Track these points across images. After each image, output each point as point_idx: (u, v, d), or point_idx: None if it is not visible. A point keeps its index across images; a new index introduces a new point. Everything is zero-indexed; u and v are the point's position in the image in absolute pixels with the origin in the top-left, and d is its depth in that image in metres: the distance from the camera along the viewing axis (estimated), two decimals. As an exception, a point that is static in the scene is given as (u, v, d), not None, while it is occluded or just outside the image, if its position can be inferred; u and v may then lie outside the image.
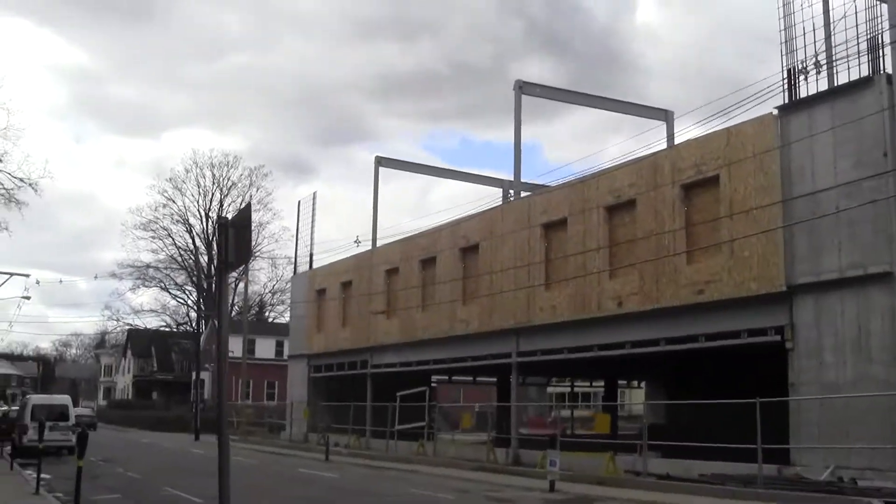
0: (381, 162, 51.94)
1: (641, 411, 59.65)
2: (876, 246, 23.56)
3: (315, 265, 57.12)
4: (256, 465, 34.98)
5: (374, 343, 47.85)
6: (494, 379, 62.09)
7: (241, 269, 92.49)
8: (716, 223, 28.16)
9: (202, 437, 58.83)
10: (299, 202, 61.54)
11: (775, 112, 26.52)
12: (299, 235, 60.86)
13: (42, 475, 24.85)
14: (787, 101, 26.22)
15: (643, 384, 63.64)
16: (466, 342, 40.03)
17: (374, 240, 50.16)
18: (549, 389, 77.79)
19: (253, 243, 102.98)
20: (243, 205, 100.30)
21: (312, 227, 58.87)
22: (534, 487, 25.08)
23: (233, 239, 9.42)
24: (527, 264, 35.90)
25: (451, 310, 40.87)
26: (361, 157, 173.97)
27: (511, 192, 51.69)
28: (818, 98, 25.35)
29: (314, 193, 59.08)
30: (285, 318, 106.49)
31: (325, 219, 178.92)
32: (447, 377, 56.82)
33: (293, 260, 61.94)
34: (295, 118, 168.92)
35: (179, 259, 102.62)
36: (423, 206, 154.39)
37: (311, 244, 58.82)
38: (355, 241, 49.82)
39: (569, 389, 73.70)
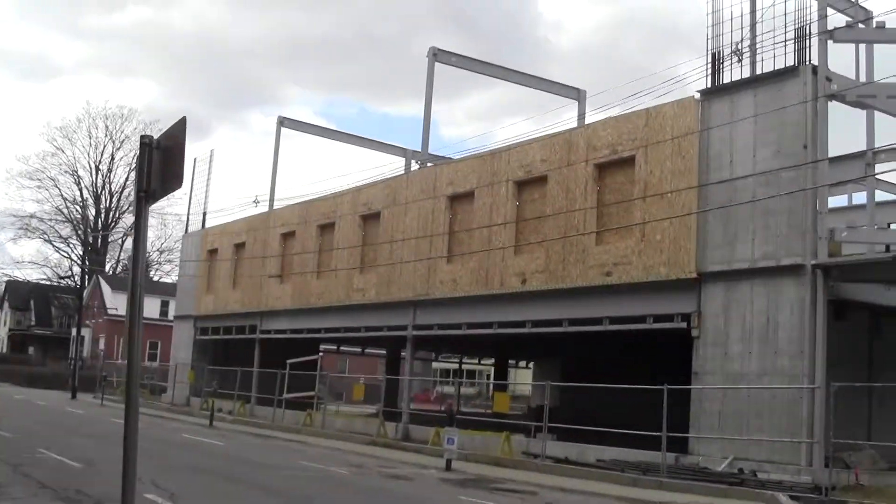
0: (283, 122, 50.30)
1: (528, 392, 59.83)
2: (790, 238, 23.15)
3: (208, 225, 55.30)
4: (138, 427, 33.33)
5: (265, 308, 46.37)
6: (383, 351, 61.57)
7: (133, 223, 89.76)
8: (629, 205, 27.55)
9: (79, 396, 56.68)
10: (195, 159, 59.59)
11: (697, 96, 25.96)
12: (193, 194, 59.02)
13: None
14: (709, 85, 25.70)
15: (531, 364, 63.27)
16: (362, 312, 38.91)
17: (272, 202, 48.59)
18: (435, 365, 77.36)
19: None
20: (135, 161, 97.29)
21: (208, 185, 56.91)
22: (429, 465, 24.17)
23: (158, 162, 7.70)
24: (429, 235, 34.92)
25: (348, 278, 39.69)
26: (259, 122, 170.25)
27: (414, 162, 50.86)
28: (742, 84, 24.85)
29: (211, 151, 57.21)
30: (171, 279, 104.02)
31: (218, 181, 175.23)
32: (335, 347, 55.84)
33: (185, 218, 59.96)
34: (193, 78, 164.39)
35: (66, 211, 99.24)
36: (324, 174, 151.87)
37: (206, 202, 56.91)
38: (254, 201, 48.24)
39: (455, 366, 73.30)
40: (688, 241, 25.39)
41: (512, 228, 31.49)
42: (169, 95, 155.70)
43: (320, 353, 44.67)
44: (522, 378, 70.07)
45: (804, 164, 23.07)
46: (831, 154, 23.79)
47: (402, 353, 54.57)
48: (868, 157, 27.36)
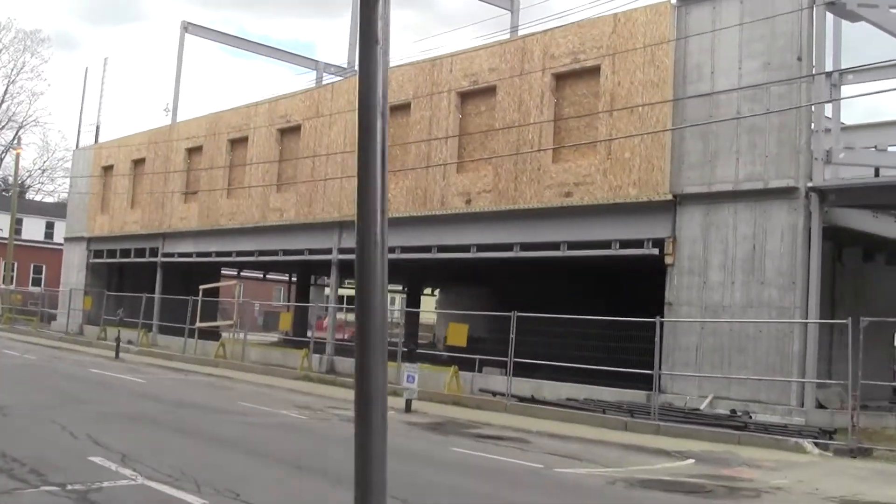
0: (187, 28, 46.35)
1: (432, 321, 57.50)
2: (780, 157, 21.10)
3: (102, 140, 51.37)
4: (37, 362, 30.00)
5: (167, 229, 42.94)
6: (285, 276, 58.68)
7: (12, 139, 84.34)
8: (592, 119, 25.17)
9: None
10: (87, 68, 55.77)
11: (674, 1, 23.56)
12: (84, 106, 54.90)
13: None
14: (687, -13, 23.35)
15: (437, 291, 60.98)
16: (280, 234, 35.91)
17: (174, 114, 44.92)
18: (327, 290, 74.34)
19: (24, 115, 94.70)
20: (14, 72, 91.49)
21: (101, 96, 53.09)
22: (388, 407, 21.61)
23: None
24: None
25: (264, 197, 36.61)
26: (135, 39, 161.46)
27: (325, 75, 47.73)
28: (725, -13, 22.52)
29: (105, 59, 53.50)
30: (55, 198, 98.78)
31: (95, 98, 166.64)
32: (235, 272, 52.74)
33: (75, 133, 55.68)
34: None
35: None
36: (228, 90, 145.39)
37: (99, 114, 53.08)
38: (164, 110, 44.57)
39: (350, 291, 70.46)
40: (661, 159, 23.14)
41: (455, 144, 28.88)
42: (32, 12, 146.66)
43: (237, 280, 41.45)
44: (426, 305, 67.45)
45: (798, 78, 20.98)
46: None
47: (314, 280, 52.68)
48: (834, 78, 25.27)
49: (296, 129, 35.58)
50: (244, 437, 15.04)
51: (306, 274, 51.25)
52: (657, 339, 20.49)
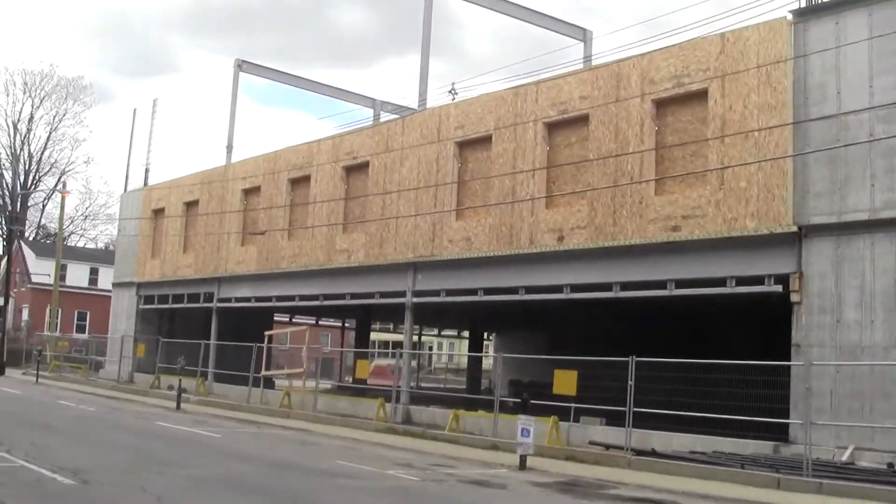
0: (241, 66, 45.31)
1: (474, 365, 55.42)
2: (922, 182, 19.31)
3: (151, 183, 50.30)
4: (96, 414, 28.45)
5: (223, 273, 41.53)
6: (339, 322, 57.15)
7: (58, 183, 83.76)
8: (699, 147, 23.49)
9: (7, 372, 51.31)
10: (135, 109, 54.79)
11: (790, 17, 21.91)
12: (132, 149, 53.91)
13: None
14: (806, 3, 21.72)
15: (492, 336, 58.99)
16: (347, 276, 34.33)
17: (229, 153, 43.71)
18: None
19: (66, 160, 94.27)
20: (57, 119, 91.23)
21: (150, 137, 52.16)
22: (491, 462, 19.78)
23: None
24: (434, 185, 30.56)
25: (329, 238, 35.09)
26: (170, 90, 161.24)
27: (382, 113, 46.45)
28: (850, 1, 20.85)
29: (154, 101, 52.49)
30: (99, 244, 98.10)
31: (143, 141, 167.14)
32: (288, 317, 51.35)
33: (121, 177, 54.62)
34: (95, 45, 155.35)
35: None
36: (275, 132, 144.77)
37: (148, 156, 52.08)
38: (227, 146, 43.05)
39: (391, 335, 68.61)
40: (782, 188, 21.39)
41: (543, 177, 27.24)
42: (70, 63, 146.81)
43: (306, 325, 39.89)
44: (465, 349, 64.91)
45: (942, 93, 19.24)
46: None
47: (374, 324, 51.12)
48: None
49: (363, 167, 34.12)
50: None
51: (366, 319, 49.70)
52: (792, 384, 18.69)
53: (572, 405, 23.92)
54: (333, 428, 27.41)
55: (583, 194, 25.96)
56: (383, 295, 32.82)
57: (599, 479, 17.30)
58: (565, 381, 22.76)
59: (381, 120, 42.37)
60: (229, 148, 43.42)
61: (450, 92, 32.35)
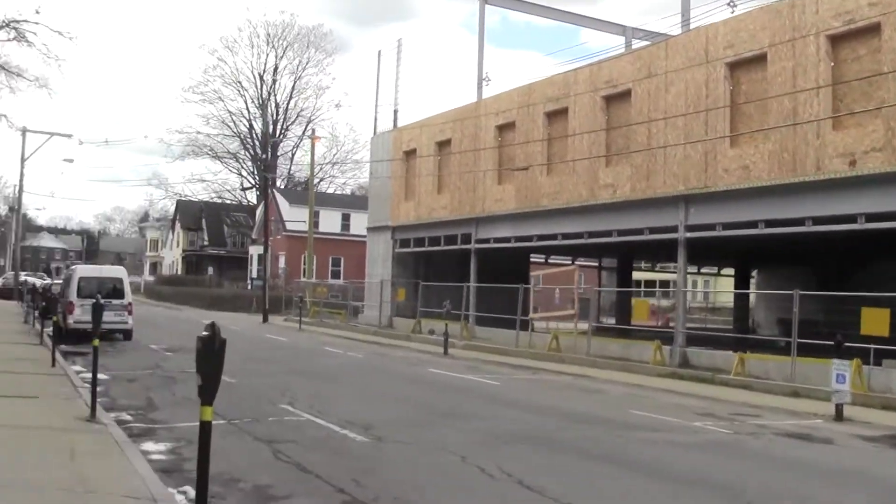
0: (487, -2, 44.67)
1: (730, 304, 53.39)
2: None
3: (400, 125, 50.65)
4: (364, 361, 28.91)
5: (481, 213, 41.37)
6: (596, 262, 56.20)
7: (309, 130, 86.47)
8: None
9: (270, 318, 53.42)
10: (379, 52, 55.03)
11: None
12: (379, 90, 54.42)
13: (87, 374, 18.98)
14: None
15: (754, 274, 56.54)
16: (611, 212, 33.41)
17: (480, 88, 43.30)
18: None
19: (312, 108, 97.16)
20: (300, 68, 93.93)
21: (397, 78, 52.38)
22: (802, 412, 18.59)
23: None
24: (704, 110, 29.08)
25: (591, 172, 34.20)
26: (407, 37, 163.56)
27: (633, 40, 44.92)
28: None
29: (398, 41, 52.62)
30: (346, 191, 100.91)
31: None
32: (543, 257, 50.96)
33: (371, 121, 55.28)
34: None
35: (232, 125, 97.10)
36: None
37: (396, 97, 52.34)
38: (484, 79, 42.69)
39: (648, 273, 67.15)
40: None
41: (828, 96, 25.36)
42: (302, 13, 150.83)
43: (575, 265, 39.35)
44: (720, 286, 62.38)
45: None
46: None
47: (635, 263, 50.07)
48: None
49: (624, 95, 32.95)
50: (692, 465, 12.47)
51: (628, 257, 48.70)
52: None
53: (871, 346, 22.26)
54: (610, 373, 26.81)
55: (877, 113, 23.98)
56: (652, 231, 31.72)
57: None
58: (876, 321, 21.15)
59: (633, 47, 40.93)
60: (478, 84, 43.00)
61: (729, 3, 30.53)
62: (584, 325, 33.69)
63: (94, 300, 15.76)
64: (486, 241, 41.40)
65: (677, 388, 22.98)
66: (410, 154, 48.56)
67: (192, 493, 9.53)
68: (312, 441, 13.13)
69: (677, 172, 30.06)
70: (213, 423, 13.19)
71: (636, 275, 67.96)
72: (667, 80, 30.76)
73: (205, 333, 6.32)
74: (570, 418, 16.78)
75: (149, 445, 12.39)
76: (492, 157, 40.78)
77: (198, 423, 12.49)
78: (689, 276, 71.66)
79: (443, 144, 45.40)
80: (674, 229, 30.41)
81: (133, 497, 8.73)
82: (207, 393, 6.45)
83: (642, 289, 61.98)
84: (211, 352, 6.35)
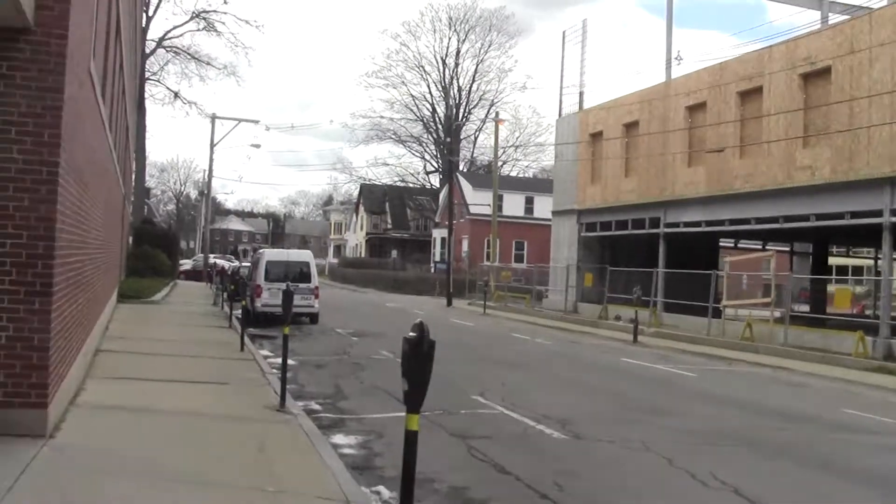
0: (675, -26, 43.57)
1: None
2: None
3: (585, 106, 49.97)
4: (553, 348, 28.60)
5: (669, 196, 40.43)
6: (787, 247, 54.27)
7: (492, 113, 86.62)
8: None
9: (454, 303, 53.71)
10: (564, 32, 54.36)
11: None
12: (563, 72, 53.79)
13: (274, 359, 19.20)
14: None
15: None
16: (808, 196, 32.05)
17: (669, 69, 42.28)
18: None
19: (494, 91, 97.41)
20: (483, 51, 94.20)
21: (582, 59, 51.65)
22: None
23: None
24: (915, 88, 27.57)
25: (787, 154, 32.91)
26: (584, 17, 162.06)
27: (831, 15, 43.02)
28: None
29: (583, 21, 51.86)
30: (528, 174, 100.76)
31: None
32: (733, 242, 49.62)
33: (556, 104, 54.72)
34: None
35: (415, 109, 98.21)
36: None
37: (581, 78, 51.64)
38: (676, 58, 41.81)
39: (840, 259, 64.33)
40: None
41: None
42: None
43: (770, 250, 38.13)
44: None
45: None
46: None
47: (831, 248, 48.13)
48: None
49: (823, 72, 31.56)
50: None
51: (823, 242, 46.90)
52: None
53: None
54: (809, 365, 25.75)
55: None
56: (854, 215, 30.28)
57: None
58: None
59: (830, 21, 39.22)
60: (667, 63, 42.01)
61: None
62: (776, 314, 32.52)
63: (284, 286, 15.88)
64: (676, 225, 40.44)
65: (887, 383, 21.82)
66: (596, 136, 47.89)
67: (385, 493, 9.46)
68: (508, 437, 12.81)
69: (882, 153, 28.59)
70: (403, 414, 13.00)
71: (835, 260, 65.58)
72: (871, 55, 29.28)
73: (412, 334, 5.86)
74: (776, 416, 16.01)
75: (339, 438, 12.24)
76: (681, 138, 39.78)
77: (388, 416, 12.37)
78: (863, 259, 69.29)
79: (630, 126, 44.57)
80: (878, 213, 28.93)
81: (326, 498, 8.50)
82: (414, 400, 6.02)
83: (835, 276, 59.62)
84: (419, 355, 5.90)
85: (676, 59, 41.34)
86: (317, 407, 14.78)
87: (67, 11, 9.32)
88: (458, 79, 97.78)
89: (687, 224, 39.68)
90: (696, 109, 39.15)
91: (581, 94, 51.20)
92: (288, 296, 14.11)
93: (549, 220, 54.98)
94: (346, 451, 11.48)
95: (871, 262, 57.25)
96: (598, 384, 19.87)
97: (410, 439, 6.02)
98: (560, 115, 53.68)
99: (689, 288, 36.69)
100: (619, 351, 28.28)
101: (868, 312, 45.90)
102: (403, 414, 6.04)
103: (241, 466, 9.52)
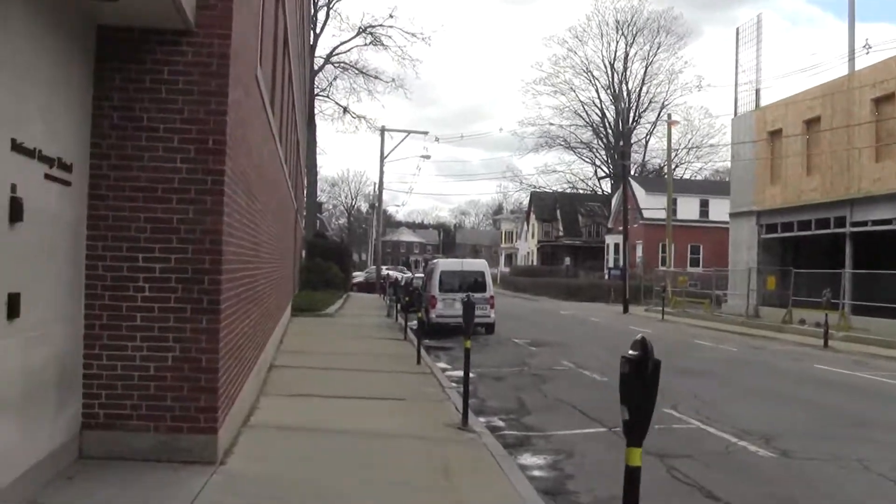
0: (857, -39, 41.91)
1: None
2: None
3: (763, 103, 48.51)
4: (739, 355, 27.56)
5: (855, 194, 38.78)
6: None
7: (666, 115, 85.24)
8: None
9: (630, 309, 52.91)
10: (738, 29, 52.91)
11: None
12: (738, 69, 52.36)
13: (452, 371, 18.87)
14: None
15: None
16: None
17: (852, 60, 40.62)
18: None
19: (665, 94, 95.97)
20: (651, 54, 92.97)
21: (758, 56, 50.16)
22: None
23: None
24: None
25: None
26: (744, 18, 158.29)
27: None
28: None
29: (758, 16, 50.45)
30: (702, 176, 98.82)
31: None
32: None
33: (733, 99, 53.28)
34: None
35: (584, 115, 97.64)
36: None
37: (757, 76, 50.17)
38: (864, 46, 40.32)
39: None
40: None
41: None
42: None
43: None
44: None
45: None
46: None
47: None
48: None
49: None
50: None
51: None
52: None
53: None
54: None
55: None
56: None
57: None
58: None
59: None
60: (852, 55, 40.40)
61: None
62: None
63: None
64: (863, 223, 38.74)
65: None
66: (775, 134, 46.41)
67: (580, 522, 8.96)
68: (709, 456, 12.08)
69: None
70: (593, 430, 12.48)
71: None
72: None
73: (633, 353, 5.03)
74: None
75: (526, 458, 11.70)
76: (868, 132, 38.12)
77: (576, 432, 11.75)
78: None
79: (811, 122, 43.02)
80: None
81: (519, 529, 8.06)
82: (637, 431, 5.21)
83: None
84: (643, 377, 5.05)
85: (865, 47, 39.83)
86: (500, 423, 14.28)
87: (230, 10, 9.00)
88: (626, 82, 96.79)
89: (876, 222, 37.95)
90: (884, 101, 37.44)
91: (757, 91, 49.79)
92: (469, 307, 13.71)
93: (725, 222, 53.69)
94: (535, 472, 10.94)
95: None
96: (795, 393, 18.94)
97: (633, 476, 5.28)
98: (735, 114, 52.27)
99: (880, 289, 35.09)
100: (810, 357, 27.13)
101: None
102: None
103: (427, 492, 9.01)
